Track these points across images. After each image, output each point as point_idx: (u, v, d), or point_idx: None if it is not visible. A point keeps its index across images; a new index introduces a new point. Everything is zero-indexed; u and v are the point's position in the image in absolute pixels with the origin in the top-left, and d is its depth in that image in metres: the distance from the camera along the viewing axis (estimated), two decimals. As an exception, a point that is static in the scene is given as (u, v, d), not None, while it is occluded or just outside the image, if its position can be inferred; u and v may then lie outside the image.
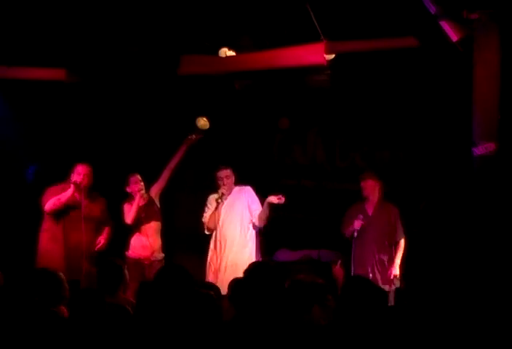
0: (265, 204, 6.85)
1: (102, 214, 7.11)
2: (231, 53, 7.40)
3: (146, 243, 7.00)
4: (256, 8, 6.88)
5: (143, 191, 7.15)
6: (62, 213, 6.97)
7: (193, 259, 7.78)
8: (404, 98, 8.00)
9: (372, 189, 7.18)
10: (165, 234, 7.50)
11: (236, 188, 7.08)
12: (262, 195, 7.41)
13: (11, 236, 7.96)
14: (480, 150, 5.65)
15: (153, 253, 7.01)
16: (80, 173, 6.96)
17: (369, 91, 8.11)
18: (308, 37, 6.79)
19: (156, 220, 7.16)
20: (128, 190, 7.17)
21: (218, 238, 6.93)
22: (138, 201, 7.04)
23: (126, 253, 7.02)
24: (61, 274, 4.82)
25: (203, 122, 8.73)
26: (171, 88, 8.27)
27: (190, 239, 8.50)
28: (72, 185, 6.88)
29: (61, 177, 7.61)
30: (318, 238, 8.21)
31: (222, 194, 6.94)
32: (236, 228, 6.91)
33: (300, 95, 8.26)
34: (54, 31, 7.27)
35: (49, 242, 6.95)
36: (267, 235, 7.68)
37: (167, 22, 7.13)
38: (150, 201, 7.19)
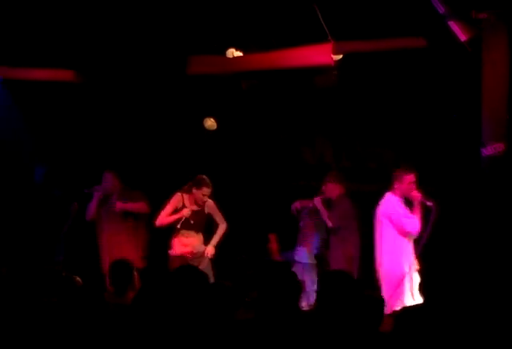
0: None
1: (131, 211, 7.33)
2: (238, 53, 7.40)
3: (186, 241, 7.13)
4: (263, 8, 6.88)
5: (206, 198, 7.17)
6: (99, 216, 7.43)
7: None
8: (412, 98, 7.97)
9: (331, 191, 7.32)
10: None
11: None
12: (271, 197, 7.44)
13: (18, 236, 7.99)
14: (488, 150, 5.64)
15: (194, 248, 7.14)
16: (104, 180, 7.39)
17: (376, 91, 8.09)
18: (315, 37, 6.78)
19: (201, 228, 7.31)
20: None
21: None
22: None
23: (169, 252, 7.13)
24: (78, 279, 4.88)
25: (210, 123, 8.75)
26: (179, 88, 8.27)
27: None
28: (95, 194, 7.35)
29: (69, 177, 7.67)
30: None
31: None
32: None
33: (308, 96, 8.25)
34: (63, 33, 7.29)
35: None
36: (279, 235, 7.74)
37: (175, 23, 7.14)
38: (196, 212, 7.24)
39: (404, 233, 6.56)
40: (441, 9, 5.81)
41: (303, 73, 7.50)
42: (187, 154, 8.79)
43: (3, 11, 7.00)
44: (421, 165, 8.40)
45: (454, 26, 5.88)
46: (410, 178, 6.65)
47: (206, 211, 7.19)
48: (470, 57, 6.01)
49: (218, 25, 7.11)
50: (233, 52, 7.38)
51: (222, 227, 7.27)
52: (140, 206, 7.33)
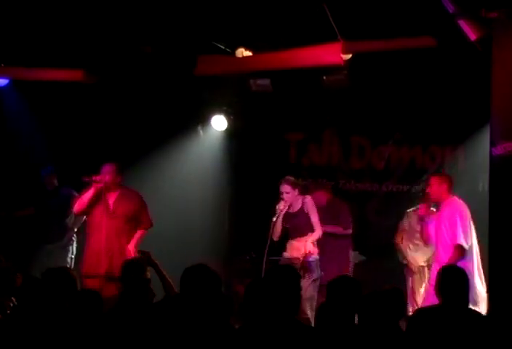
0: None
1: (131, 212, 6.92)
2: (248, 53, 7.40)
3: (297, 245, 6.95)
4: (273, 8, 6.87)
5: None
6: (89, 212, 6.97)
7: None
8: (421, 97, 7.96)
9: (320, 198, 7.55)
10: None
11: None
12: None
13: (26, 235, 8.03)
14: (499, 149, 5.60)
15: (305, 255, 6.82)
16: (103, 172, 6.89)
17: (386, 90, 8.09)
18: (324, 37, 6.77)
19: (306, 230, 6.99)
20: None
21: None
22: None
23: (284, 253, 7.04)
24: (74, 272, 4.84)
25: (219, 122, 8.76)
26: (188, 88, 8.28)
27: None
28: (93, 184, 6.83)
29: (77, 177, 7.64)
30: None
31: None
32: None
33: (317, 95, 8.25)
34: (72, 33, 7.31)
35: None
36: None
37: (184, 23, 7.14)
38: (295, 213, 7.05)
39: None
40: (451, 8, 5.79)
41: (312, 72, 7.50)
42: (196, 153, 8.82)
43: (12, 12, 7.02)
44: (431, 164, 8.45)
45: (464, 25, 5.86)
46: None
47: (305, 210, 6.93)
48: (481, 57, 5.99)
49: (227, 24, 7.10)
50: (243, 52, 7.38)
51: (313, 235, 6.85)
52: (142, 234, 6.94)
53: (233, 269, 7.67)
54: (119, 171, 6.96)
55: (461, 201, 6.51)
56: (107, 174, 6.87)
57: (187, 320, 3.91)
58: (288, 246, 7.06)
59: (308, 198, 6.97)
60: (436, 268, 6.14)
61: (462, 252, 6.27)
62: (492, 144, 5.65)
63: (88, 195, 6.86)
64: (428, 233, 6.65)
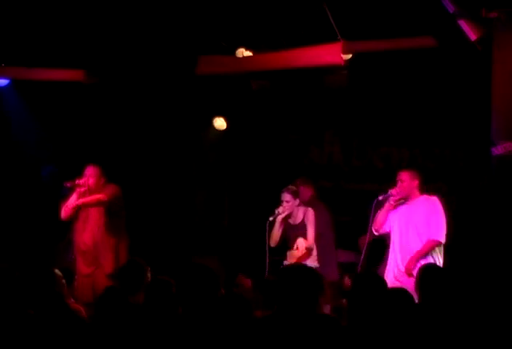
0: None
1: (108, 199, 6.69)
2: (248, 53, 7.41)
3: (296, 254, 6.87)
4: (273, 8, 6.89)
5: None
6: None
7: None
8: (422, 97, 7.97)
9: (303, 194, 7.30)
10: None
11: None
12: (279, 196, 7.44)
13: (24, 235, 8.04)
14: (499, 149, 5.62)
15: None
16: (86, 175, 6.75)
17: (386, 90, 8.09)
18: (325, 37, 6.79)
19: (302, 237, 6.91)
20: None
21: None
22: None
23: (284, 262, 6.96)
24: (57, 271, 4.84)
25: (220, 122, 8.77)
26: (188, 88, 8.29)
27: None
28: (76, 189, 6.72)
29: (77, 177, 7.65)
30: (335, 238, 8.21)
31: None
32: None
33: (317, 95, 8.26)
34: (72, 33, 7.32)
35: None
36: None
37: (185, 23, 7.16)
38: (298, 225, 6.94)
39: None
40: (451, 8, 5.80)
41: (313, 72, 7.51)
42: (196, 154, 8.83)
43: (12, 12, 7.04)
44: (431, 164, 8.45)
45: (464, 25, 5.87)
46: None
47: (305, 222, 6.85)
48: (481, 56, 6.00)
49: (228, 24, 7.12)
50: (243, 52, 7.39)
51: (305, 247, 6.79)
52: (97, 198, 6.63)
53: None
54: (102, 172, 6.80)
55: (438, 200, 6.17)
56: (90, 176, 6.73)
57: (186, 320, 3.91)
58: (288, 254, 7.05)
59: (310, 211, 6.92)
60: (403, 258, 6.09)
61: (436, 246, 6.08)
62: (492, 144, 5.67)
63: (72, 201, 6.74)
64: (385, 221, 6.30)
